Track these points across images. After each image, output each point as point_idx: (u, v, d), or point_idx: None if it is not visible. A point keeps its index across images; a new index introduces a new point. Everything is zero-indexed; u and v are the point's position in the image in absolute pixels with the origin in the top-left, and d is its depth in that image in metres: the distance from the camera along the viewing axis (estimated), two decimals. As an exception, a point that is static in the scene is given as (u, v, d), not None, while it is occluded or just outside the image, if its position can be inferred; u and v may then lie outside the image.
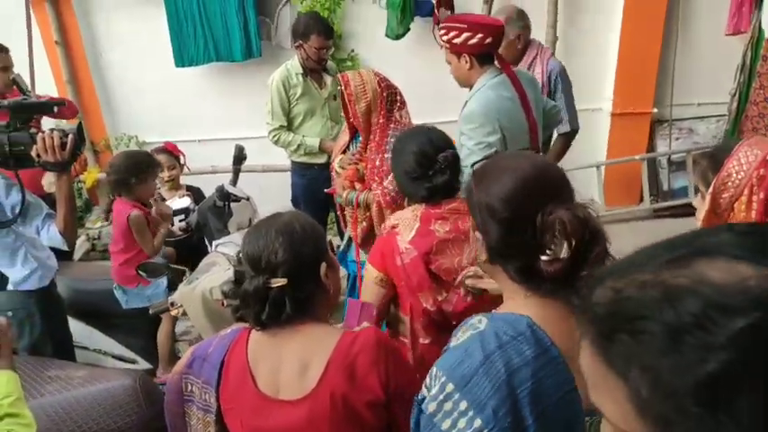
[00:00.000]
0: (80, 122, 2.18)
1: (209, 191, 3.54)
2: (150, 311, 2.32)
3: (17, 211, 2.18)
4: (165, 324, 2.91)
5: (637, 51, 4.66)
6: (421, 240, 1.79)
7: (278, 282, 1.27)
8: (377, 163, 2.64)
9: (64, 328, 2.58)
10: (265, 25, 4.74)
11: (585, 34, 4.78)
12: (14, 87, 3.40)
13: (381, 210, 2.62)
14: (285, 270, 1.28)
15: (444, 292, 1.81)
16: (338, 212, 3.04)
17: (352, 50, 4.84)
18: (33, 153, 2.07)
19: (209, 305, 2.12)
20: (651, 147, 5.01)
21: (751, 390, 0.48)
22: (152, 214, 2.94)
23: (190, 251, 3.19)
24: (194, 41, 4.66)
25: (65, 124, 2.16)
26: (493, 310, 1.19)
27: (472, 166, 2.13)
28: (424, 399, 1.09)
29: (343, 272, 3.62)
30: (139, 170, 2.90)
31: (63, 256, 2.85)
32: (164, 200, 3.30)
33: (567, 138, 3.34)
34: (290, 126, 3.64)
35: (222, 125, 5.03)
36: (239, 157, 3.14)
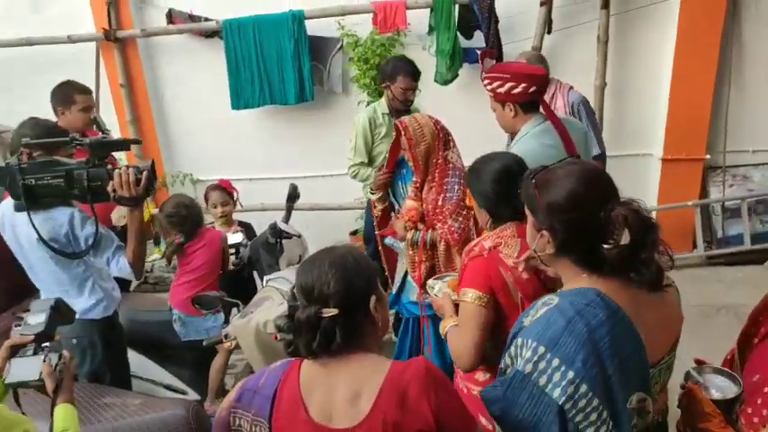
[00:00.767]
0: (152, 161, 2.31)
1: (257, 228, 3.65)
2: (204, 343, 2.38)
3: (90, 242, 2.29)
4: (220, 357, 2.98)
5: (688, 96, 4.62)
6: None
7: (329, 312, 1.31)
8: (439, 203, 2.69)
9: (123, 357, 2.67)
10: (318, 71, 4.92)
11: (635, 79, 4.78)
12: (94, 126, 3.62)
13: (449, 248, 2.65)
14: (336, 300, 1.32)
15: None
16: (380, 249, 3.09)
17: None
18: (109, 188, 2.19)
19: (263, 338, 2.16)
20: (704, 193, 4.91)
21: None
22: None
23: (239, 285, 3.28)
24: (251, 85, 4.87)
25: (139, 162, 2.27)
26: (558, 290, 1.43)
27: None
28: (506, 368, 1.36)
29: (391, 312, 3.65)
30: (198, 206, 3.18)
31: (120, 286, 3.01)
32: None
33: (600, 161, 3.47)
34: (370, 163, 3.72)
35: (272, 165, 5.18)
36: (293, 195, 3.24)
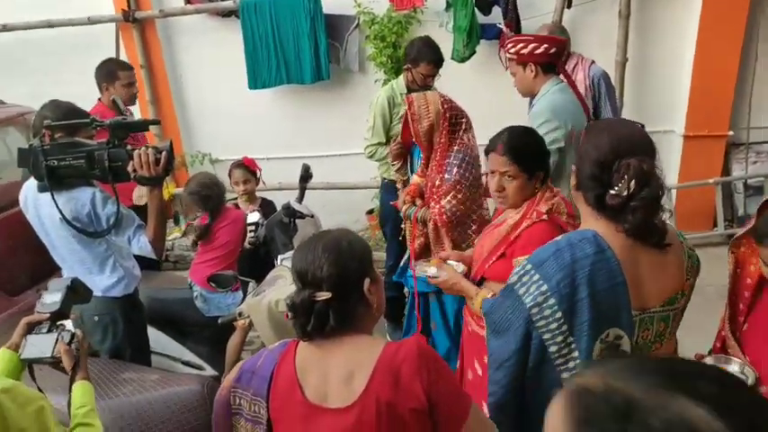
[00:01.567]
0: (171, 141, 2.35)
1: (278, 206, 3.70)
2: (219, 321, 2.43)
3: (111, 221, 2.35)
4: (237, 334, 3.05)
5: (712, 71, 4.51)
6: None
7: (323, 295, 1.34)
8: (437, 182, 2.69)
9: (143, 334, 2.74)
10: (334, 49, 4.90)
11: (657, 54, 4.68)
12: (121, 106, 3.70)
13: (437, 228, 2.67)
14: (329, 284, 1.35)
15: None
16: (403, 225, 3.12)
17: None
18: (129, 168, 2.24)
19: (275, 316, 2.20)
20: (726, 170, 4.82)
21: None
22: None
23: (256, 264, 3.33)
24: (267, 65, 4.88)
25: (158, 142, 2.32)
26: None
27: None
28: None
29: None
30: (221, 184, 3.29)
31: (150, 266, 3.11)
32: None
33: None
34: (388, 143, 3.71)
35: (290, 144, 5.21)
36: (305, 175, 3.26)
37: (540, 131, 2.52)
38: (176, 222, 5.18)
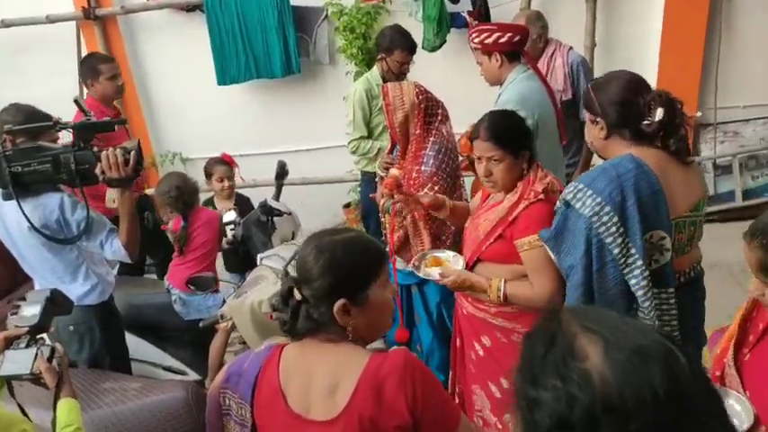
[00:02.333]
0: (138, 140, 2.28)
1: (252, 203, 3.64)
2: (201, 324, 2.39)
3: (82, 227, 2.28)
4: (219, 336, 2.99)
5: (678, 54, 4.57)
6: None
7: (296, 295, 1.36)
8: (413, 174, 2.67)
9: (121, 341, 2.68)
10: (304, 42, 4.83)
11: (624, 37, 4.72)
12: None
13: (415, 220, 2.65)
14: (305, 288, 1.35)
15: None
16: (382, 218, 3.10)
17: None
18: (98, 170, 2.17)
19: (258, 318, 2.16)
20: (695, 151, 4.90)
21: None
22: None
23: (240, 263, 3.29)
24: (236, 60, 4.78)
25: (128, 142, 2.27)
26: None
27: None
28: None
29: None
30: (194, 182, 3.20)
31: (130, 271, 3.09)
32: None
33: None
34: (369, 136, 3.70)
35: (262, 140, 5.13)
36: (281, 172, 3.21)
37: None
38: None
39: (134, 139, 2.31)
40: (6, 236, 2.42)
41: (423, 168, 2.67)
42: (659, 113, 1.78)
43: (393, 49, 3.44)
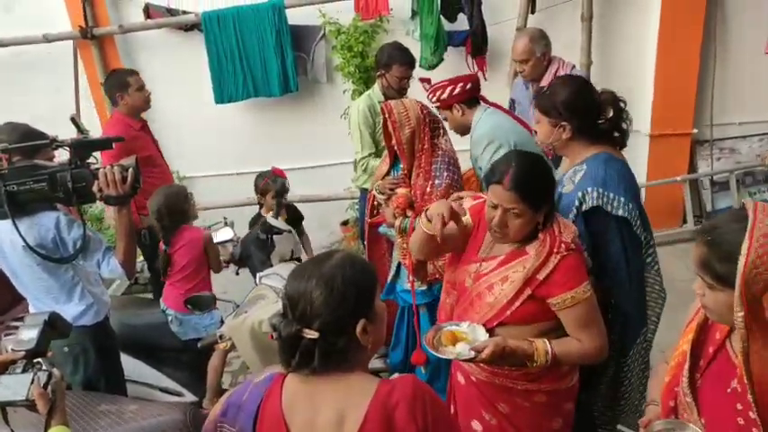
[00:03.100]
0: (136, 157, 2.26)
1: (245, 222, 3.59)
2: (199, 345, 2.35)
3: (78, 246, 2.25)
4: (216, 356, 2.95)
5: (674, 72, 4.61)
6: None
7: (309, 334, 1.24)
8: (427, 189, 2.66)
9: (116, 362, 2.63)
10: (301, 60, 4.85)
11: (620, 56, 4.77)
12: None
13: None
14: (318, 324, 1.24)
15: None
16: (365, 241, 3.11)
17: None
18: (95, 188, 2.15)
19: (259, 338, 2.13)
20: (692, 168, 4.92)
21: None
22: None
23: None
24: (233, 78, 4.79)
25: (125, 160, 2.25)
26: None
27: None
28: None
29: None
30: (185, 196, 3.09)
31: None
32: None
33: None
34: (377, 151, 3.65)
35: (260, 158, 5.09)
36: (281, 190, 3.19)
37: (486, 156, 2.63)
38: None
39: (131, 157, 2.28)
40: (1, 257, 2.38)
41: (436, 182, 2.67)
42: (610, 111, 2.07)
43: (392, 65, 3.45)
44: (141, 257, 4.95)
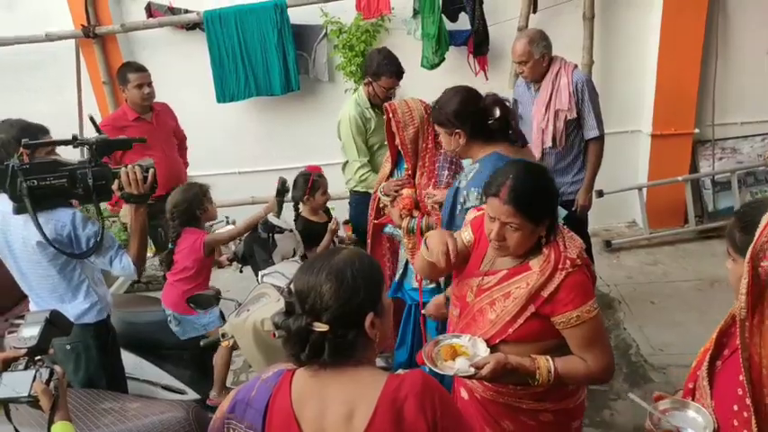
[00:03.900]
0: (152, 160, 2.33)
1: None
2: (201, 344, 2.35)
3: (91, 243, 2.29)
4: (222, 352, 2.95)
5: (676, 71, 4.60)
6: None
7: (320, 327, 1.25)
8: (430, 188, 2.67)
9: (118, 360, 2.64)
10: (303, 60, 4.85)
11: (622, 55, 4.76)
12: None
13: None
14: (328, 317, 1.25)
15: None
16: (368, 240, 3.12)
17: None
18: (114, 186, 2.23)
19: (261, 336, 2.14)
20: (694, 167, 4.92)
21: None
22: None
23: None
24: (235, 78, 4.80)
25: (143, 160, 2.32)
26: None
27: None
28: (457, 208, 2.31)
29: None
30: (200, 201, 3.08)
31: None
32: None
33: (598, 142, 3.53)
34: (370, 158, 3.69)
35: (261, 157, 5.13)
36: (282, 189, 3.19)
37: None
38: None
39: (149, 159, 2.36)
40: (8, 252, 2.39)
41: (439, 180, 2.68)
42: (497, 111, 2.24)
43: (380, 75, 3.44)
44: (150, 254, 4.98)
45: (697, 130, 4.81)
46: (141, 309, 3.25)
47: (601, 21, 4.61)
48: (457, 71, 4.74)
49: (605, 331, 1.81)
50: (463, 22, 4.62)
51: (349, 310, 1.27)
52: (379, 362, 3.21)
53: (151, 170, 2.27)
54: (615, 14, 4.67)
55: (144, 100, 3.97)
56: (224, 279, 3.98)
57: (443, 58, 4.60)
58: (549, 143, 3.48)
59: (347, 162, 3.76)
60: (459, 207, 2.26)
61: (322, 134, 4.80)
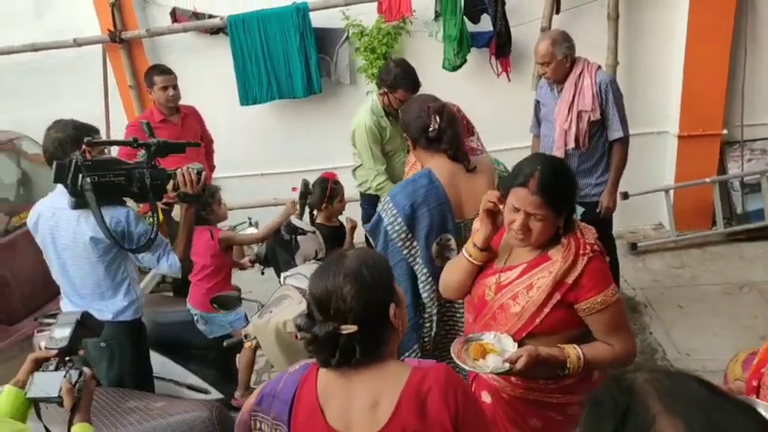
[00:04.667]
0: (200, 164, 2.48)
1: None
2: (225, 344, 2.38)
3: (142, 241, 2.37)
4: (245, 353, 2.98)
5: (703, 71, 4.52)
6: None
7: (348, 329, 1.26)
8: None
9: (148, 359, 2.69)
10: (325, 62, 4.88)
11: (647, 56, 4.69)
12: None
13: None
14: (354, 317, 1.27)
15: None
16: None
17: (410, 82, 4.91)
18: (169, 186, 2.35)
19: (283, 338, 2.15)
20: (722, 169, 4.82)
21: None
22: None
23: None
24: (258, 81, 4.84)
25: (193, 164, 2.47)
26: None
27: None
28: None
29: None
30: (206, 203, 3.10)
31: None
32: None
33: (623, 144, 3.49)
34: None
35: (283, 159, 5.16)
36: (305, 191, 3.21)
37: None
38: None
39: (197, 163, 2.50)
40: (52, 248, 2.45)
41: None
42: (435, 120, 2.23)
43: (397, 88, 3.43)
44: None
45: (725, 131, 4.72)
46: (167, 309, 3.29)
47: (625, 21, 4.55)
48: (478, 73, 4.73)
49: (627, 315, 1.86)
50: (485, 24, 4.59)
51: (374, 308, 1.30)
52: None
53: (203, 173, 2.42)
54: (640, 14, 4.60)
55: (169, 102, 4.05)
56: (246, 280, 4.00)
57: (465, 60, 4.58)
58: (571, 144, 3.45)
59: (359, 166, 3.77)
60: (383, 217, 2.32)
61: (343, 136, 4.79)
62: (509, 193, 1.77)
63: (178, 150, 2.46)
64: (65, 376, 1.52)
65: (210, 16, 4.89)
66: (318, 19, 4.74)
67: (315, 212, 3.35)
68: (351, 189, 5.00)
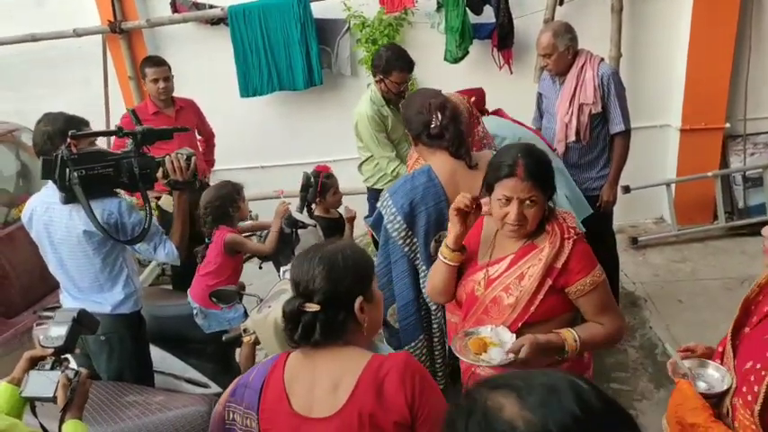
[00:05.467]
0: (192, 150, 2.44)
1: (271, 216, 3.60)
2: (224, 338, 2.37)
3: (137, 231, 2.35)
4: (245, 347, 2.98)
5: (707, 64, 4.49)
6: None
7: (311, 307, 1.36)
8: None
9: (146, 352, 2.69)
10: (326, 54, 4.85)
11: (651, 48, 4.66)
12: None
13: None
14: (319, 297, 1.36)
15: None
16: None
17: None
18: (159, 174, 2.33)
19: (281, 332, 2.13)
20: (724, 163, 4.80)
21: None
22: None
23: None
24: (258, 72, 4.82)
25: (183, 149, 2.42)
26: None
27: None
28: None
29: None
30: (233, 200, 3.08)
31: None
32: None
33: (624, 137, 3.46)
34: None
35: (284, 152, 5.15)
36: (306, 184, 3.20)
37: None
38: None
39: (188, 148, 2.46)
40: (48, 243, 2.44)
41: None
42: (436, 116, 2.23)
43: (391, 71, 3.41)
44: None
45: (728, 125, 4.69)
46: (166, 302, 3.28)
47: (629, 13, 4.51)
48: (481, 65, 4.70)
49: (612, 294, 1.94)
50: (487, 15, 4.56)
51: (339, 292, 1.37)
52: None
53: (193, 158, 2.37)
54: (644, 6, 4.57)
55: (160, 94, 4.02)
56: (245, 274, 4.00)
57: (467, 52, 4.55)
58: (572, 137, 3.43)
59: (365, 160, 3.75)
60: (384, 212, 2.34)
61: (345, 128, 4.77)
62: (495, 188, 1.81)
63: (165, 136, 2.43)
64: (62, 372, 1.52)
65: (211, 7, 4.86)
66: (319, 10, 4.71)
67: (313, 205, 3.36)
68: (358, 181, 5.01)
